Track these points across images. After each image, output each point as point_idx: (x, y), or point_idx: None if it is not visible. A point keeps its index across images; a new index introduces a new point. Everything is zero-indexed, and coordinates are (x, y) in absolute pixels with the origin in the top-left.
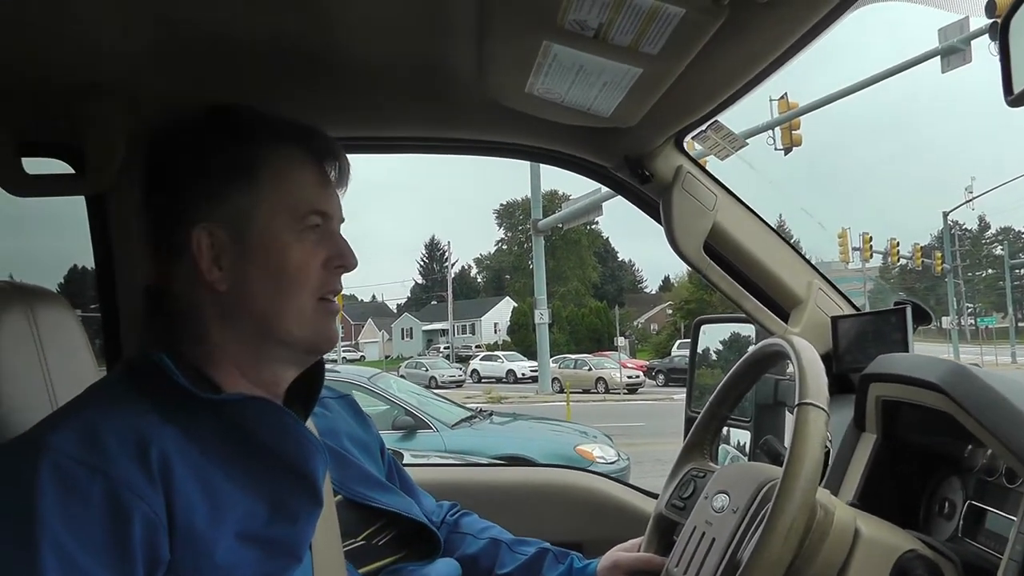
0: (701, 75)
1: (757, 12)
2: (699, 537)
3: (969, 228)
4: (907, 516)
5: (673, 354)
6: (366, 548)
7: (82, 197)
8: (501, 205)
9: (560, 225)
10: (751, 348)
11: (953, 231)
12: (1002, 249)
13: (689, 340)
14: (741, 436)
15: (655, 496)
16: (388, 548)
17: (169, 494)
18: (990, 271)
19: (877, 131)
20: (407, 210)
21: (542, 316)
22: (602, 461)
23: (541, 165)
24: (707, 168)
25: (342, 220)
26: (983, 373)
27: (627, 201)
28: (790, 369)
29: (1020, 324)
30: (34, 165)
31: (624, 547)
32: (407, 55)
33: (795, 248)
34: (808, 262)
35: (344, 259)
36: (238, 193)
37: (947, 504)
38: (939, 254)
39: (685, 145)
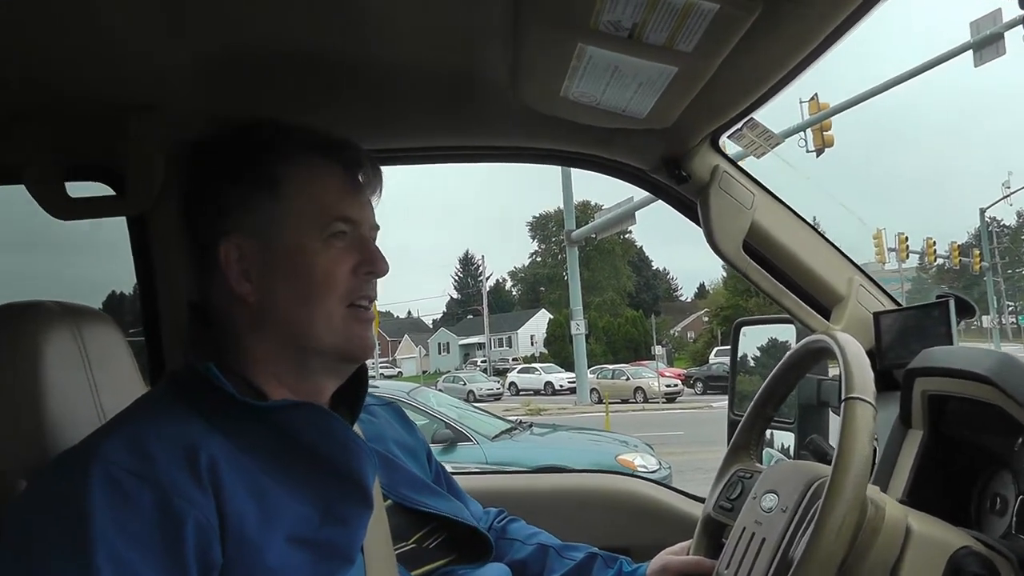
0: (735, 72)
1: (791, 5)
2: (749, 537)
3: (1008, 224)
4: (958, 513)
5: (711, 361)
6: (417, 552)
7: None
8: (534, 217)
9: (594, 235)
10: (794, 346)
11: (991, 228)
12: None
13: (726, 347)
14: (785, 439)
15: (700, 500)
16: (439, 551)
17: (219, 499)
18: None
19: (910, 129)
20: (440, 225)
21: (578, 327)
22: (643, 470)
23: (573, 174)
24: (743, 166)
25: (375, 227)
26: None
27: (659, 209)
28: (833, 370)
29: None
30: (75, 188)
31: (673, 550)
32: (441, 65)
33: (834, 245)
34: (848, 258)
35: (373, 264)
36: (263, 205)
37: (999, 500)
38: (977, 252)
39: (721, 144)
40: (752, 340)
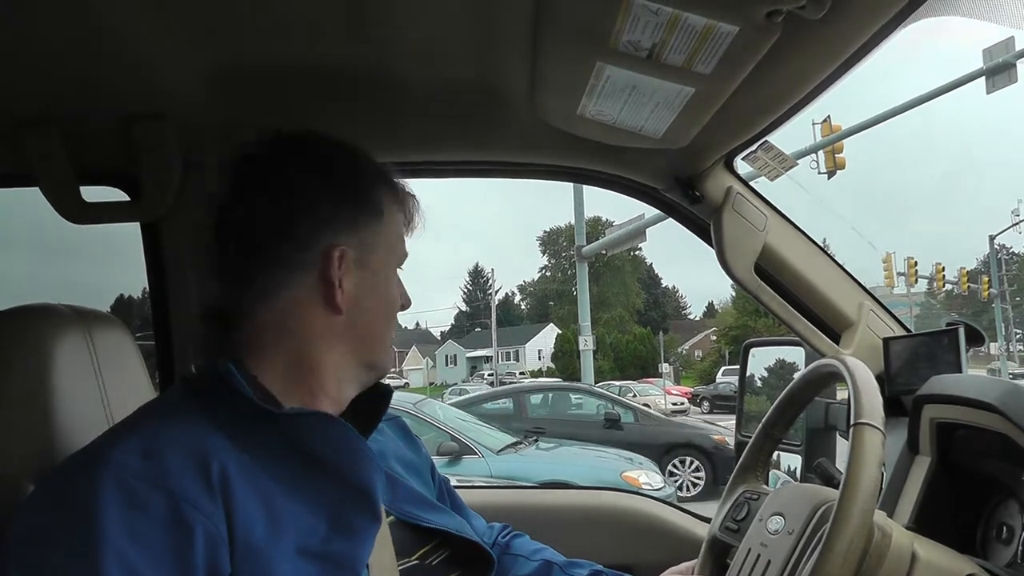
0: (752, 94)
1: (810, 29)
2: (754, 559)
3: (1017, 252)
4: (964, 541)
5: (718, 380)
6: (419, 568)
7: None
8: (544, 232)
9: (604, 251)
10: (804, 369)
11: (1000, 255)
12: None
13: (733, 366)
14: (792, 461)
15: (706, 520)
16: (441, 568)
17: (229, 509)
18: None
19: (921, 154)
20: (450, 237)
21: (586, 343)
22: (648, 487)
23: (585, 190)
24: (756, 188)
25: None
26: None
27: (670, 227)
28: (841, 393)
29: None
30: (90, 193)
31: (677, 570)
32: (458, 79)
33: (845, 269)
34: (858, 283)
35: (406, 299)
36: (368, 223)
37: (1005, 529)
38: (986, 279)
39: (735, 166)
40: (760, 361)
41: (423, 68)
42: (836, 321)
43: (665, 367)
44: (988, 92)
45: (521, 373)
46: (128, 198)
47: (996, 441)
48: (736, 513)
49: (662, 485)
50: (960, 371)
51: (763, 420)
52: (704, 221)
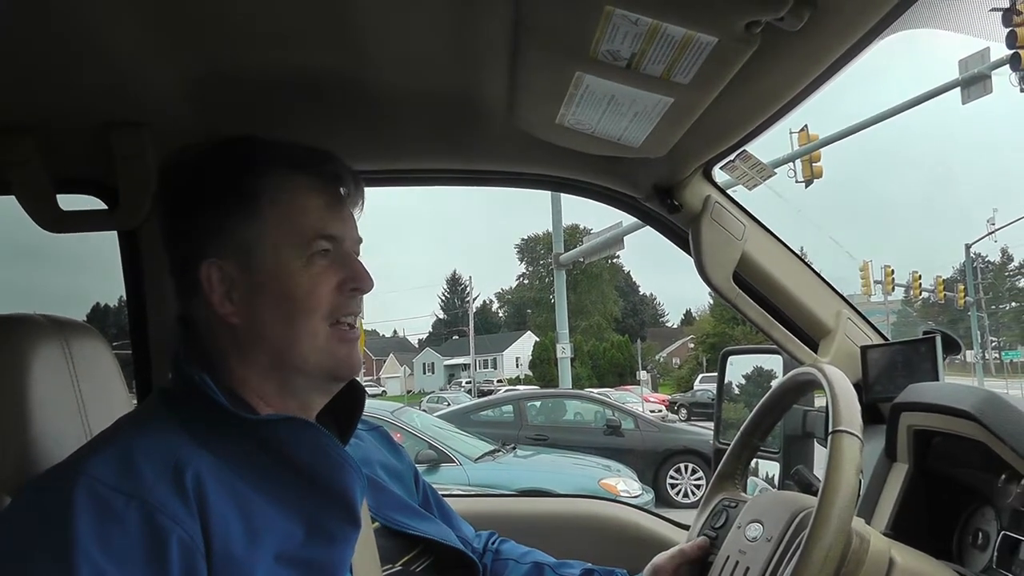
0: (730, 104)
1: (788, 41)
2: (733, 566)
3: (992, 260)
4: (940, 546)
5: (695, 388)
6: (402, 574)
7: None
8: (522, 240)
9: (582, 259)
10: (783, 377)
11: (976, 264)
12: None
13: (711, 373)
14: (770, 468)
15: (685, 527)
16: (425, 574)
17: (205, 518)
18: (1013, 304)
19: (898, 163)
20: (428, 245)
21: (564, 350)
22: (626, 495)
23: (563, 198)
24: (734, 197)
25: (359, 241)
26: (1017, 401)
27: (648, 235)
28: (819, 401)
29: None
30: (67, 202)
31: (662, 554)
32: (438, 89)
33: (823, 278)
34: (836, 291)
35: (358, 281)
36: (242, 225)
37: (980, 535)
38: (962, 287)
39: (713, 175)
40: (739, 369)
41: (403, 77)
42: (814, 329)
43: (643, 374)
44: (964, 103)
45: (499, 381)
46: (105, 206)
47: (973, 449)
48: (715, 521)
49: (640, 492)
50: (937, 379)
51: (742, 428)
52: (683, 230)
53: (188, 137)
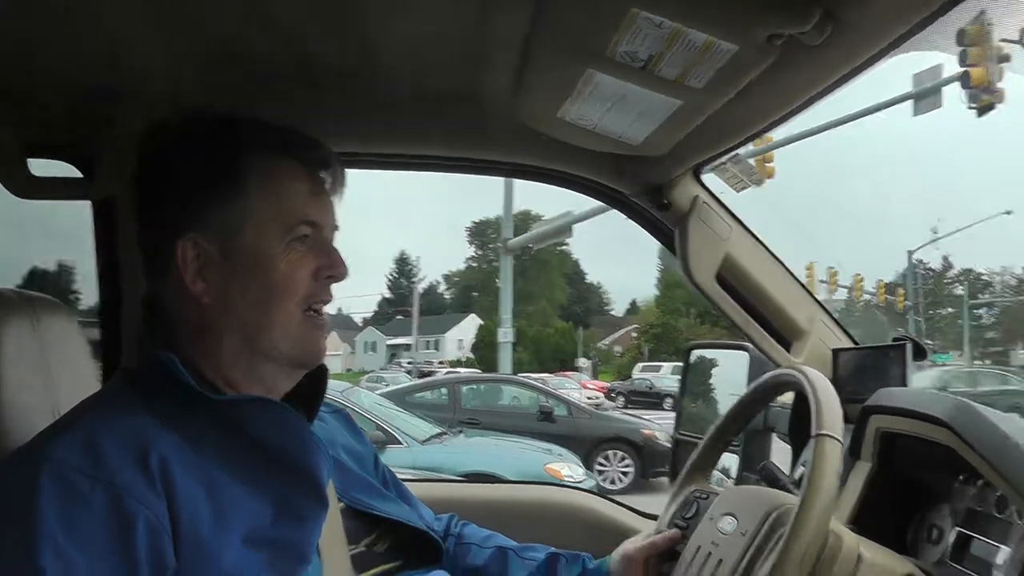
0: (736, 110)
1: (806, 53)
2: (705, 556)
3: (933, 268)
4: (896, 541)
5: (634, 377)
6: (366, 555)
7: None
8: (473, 223)
9: (530, 245)
10: (766, 375)
11: (918, 270)
12: (962, 289)
13: (651, 363)
14: (728, 460)
15: (651, 516)
16: (387, 555)
17: (171, 500)
18: (950, 310)
19: (845, 171)
20: (379, 224)
21: (506, 335)
22: (570, 480)
23: (515, 184)
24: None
25: (336, 228)
26: (986, 411)
27: (597, 225)
28: (781, 398)
29: (976, 363)
30: (41, 168)
31: (632, 540)
32: (439, 76)
33: (800, 281)
34: (812, 295)
35: (335, 269)
36: (225, 204)
37: (935, 531)
38: (902, 291)
39: (702, 176)
40: (703, 364)
41: (404, 63)
42: (788, 330)
43: (582, 362)
44: (915, 115)
45: (440, 363)
46: (80, 175)
47: (936, 452)
48: (685, 511)
49: (584, 477)
50: (905, 384)
51: (718, 422)
52: (669, 228)
53: (171, 110)
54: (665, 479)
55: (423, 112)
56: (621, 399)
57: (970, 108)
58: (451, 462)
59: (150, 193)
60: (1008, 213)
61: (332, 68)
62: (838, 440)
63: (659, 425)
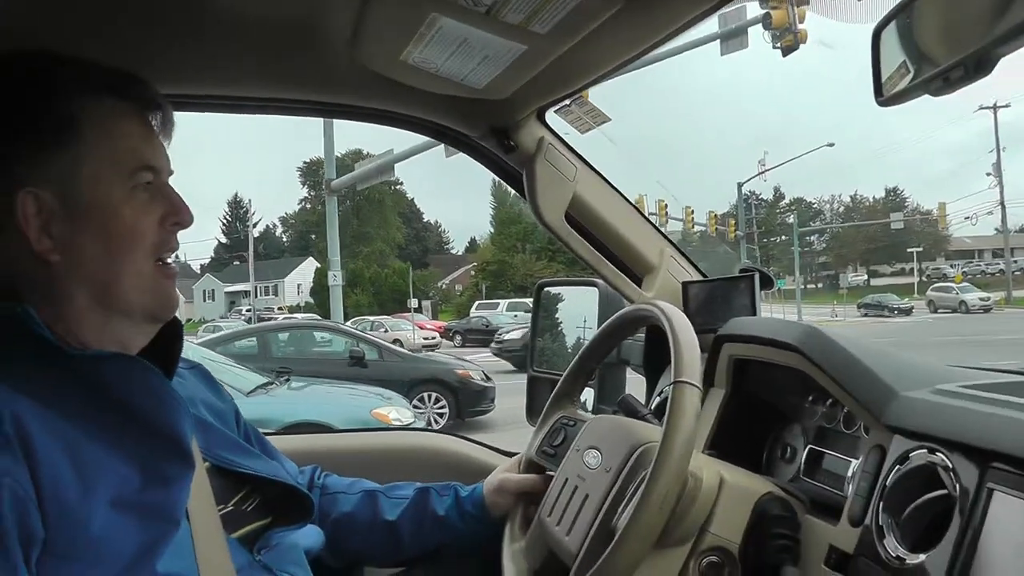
0: (579, 55)
1: (648, 1)
2: (571, 490)
3: (765, 198)
4: (751, 462)
5: (471, 315)
6: (235, 514)
7: None
8: (305, 163)
9: (355, 185)
10: (624, 310)
11: (750, 201)
12: (792, 218)
13: (488, 301)
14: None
15: (508, 453)
16: (256, 513)
17: (32, 465)
18: (783, 237)
19: (674, 104)
20: (211, 166)
21: (336, 278)
22: (398, 423)
23: (335, 123)
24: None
25: (171, 173)
26: (833, 334)
27: (431, 162)
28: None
29: (810, 287)
30: None
31: (507, 468)
32: (275, 11)
33: (647, 218)
34: (660, 231)
35: (180, 215)
36: (61, 152)
37: (788, 449)
38: (732, 222)
39: (546, 118)
40: (553, 301)
41: None
42: (639, 266)
43: (414, 302)
44: (722, 54)
45: (279, 308)
46: None
47: (787, 375)
48: (553, 439)
49: (412, 420)
50: (755, 313)
51: (580, 352)
52: (516, 170)
53: None
54: (481, 418)
55: (260, 53)
56: (458, 338)
57: (774, 48)
58: (278, 413)
59: None
60: (831, 145)
61: (161, 6)
62: (697, 387)
63: (476, 364)
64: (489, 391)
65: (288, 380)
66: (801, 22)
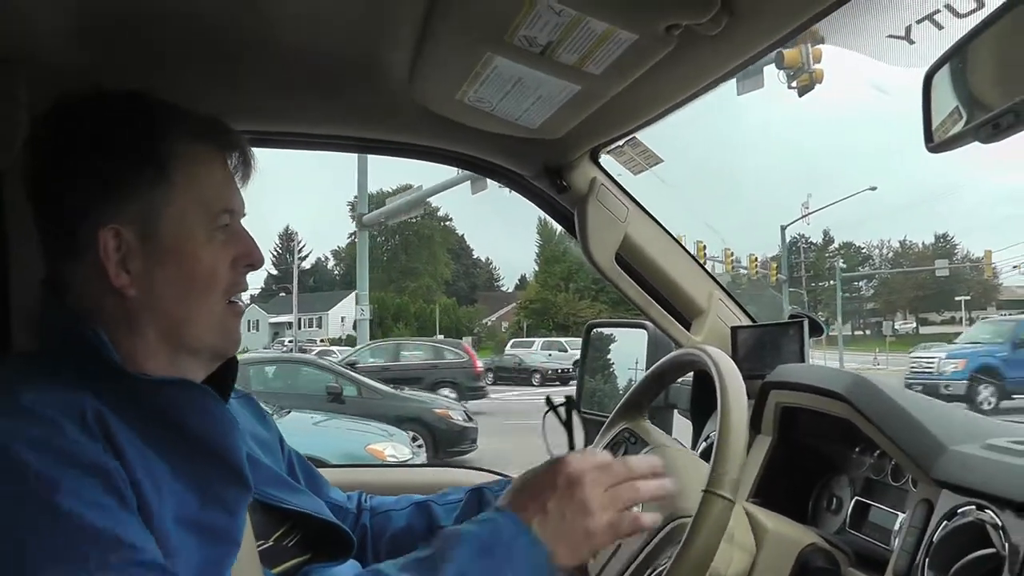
0: (632, 96)
1: (702, 43)
2: None
3: (814, 241)
4: (797, 511)
5: (505, 353)
6: (275, 550)
7: None
8: (355, 197)
9: (383, 220)
10: (672, 353)
11: (799, 244)
12: (843, 262)
13: (524, 339)
14: None
15: None
16: (295, 550)
17: (126, 467)
18: (831, 282)
19: (717, 149)
20: (263, 196)
21: (363, 312)
22: (393, 459)
23: (369, 157)
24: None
25: (244, 215)
26: (882, 385)
27: (482, 202)
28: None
29: (857, 333)
30: None
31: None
32: (337, 53)
33: (698, 260)
34: (709, 274)
35: (252, 257)
36: (149, 190)
37: (835, 500)
38: (774, 265)
39: (599, 158)
40: (602, 342)
41: (301, 37)
42: (688, 309)
43: (441, 337)
44: (739, 93)
45: (321, 340)
46: None
47: (835, 425)
48: (614, 451)
49: (409, 456)
50: (803, 360)
51: (627, 394)
52: (568, 210)
53: (65, 80)
54: (459, 458)
55: (320, 90)
56: (490, 375)
57: (790, 88)
58: None
59: (58, 174)
60: (872, 189)
61: (226, 44)
62: (728, 499)
63: (458, 404)
64: (470, 431)
65: (289, 412)
66: (817, 62)
